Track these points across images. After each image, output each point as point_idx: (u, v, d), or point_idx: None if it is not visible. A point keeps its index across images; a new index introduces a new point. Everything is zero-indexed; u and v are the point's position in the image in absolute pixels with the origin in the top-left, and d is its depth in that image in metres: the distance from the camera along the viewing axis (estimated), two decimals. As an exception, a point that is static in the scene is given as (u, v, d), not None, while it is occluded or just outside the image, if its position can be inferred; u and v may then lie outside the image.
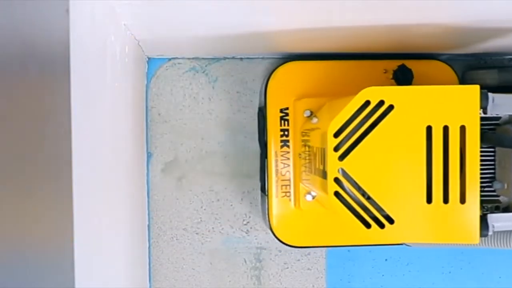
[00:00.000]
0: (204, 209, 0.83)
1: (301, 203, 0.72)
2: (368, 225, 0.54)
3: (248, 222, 0.83)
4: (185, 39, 0.71)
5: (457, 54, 0.79)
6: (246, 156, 0.82)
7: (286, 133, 0.73)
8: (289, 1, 0.52)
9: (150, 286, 0.82)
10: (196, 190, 0.82)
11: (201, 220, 0.83)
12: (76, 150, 0.38)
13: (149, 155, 0.82)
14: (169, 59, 0.81)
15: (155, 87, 0.81)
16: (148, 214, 0.82)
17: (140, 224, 0.76)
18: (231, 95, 0.82)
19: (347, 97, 0.56)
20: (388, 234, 0.54)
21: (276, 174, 0.74)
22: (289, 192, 0.74)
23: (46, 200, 0.35)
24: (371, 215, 0.54)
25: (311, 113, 0.71)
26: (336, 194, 0.55)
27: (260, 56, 0.81)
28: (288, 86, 0.74)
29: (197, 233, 0.83)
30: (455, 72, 0.75)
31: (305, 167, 0.70)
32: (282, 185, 0.74)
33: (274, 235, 0.75)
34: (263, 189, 0.77)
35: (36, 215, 0.33)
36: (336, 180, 0.55)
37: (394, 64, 0.74)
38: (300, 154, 0.72)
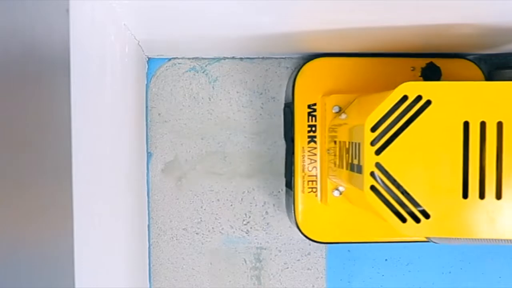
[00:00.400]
0: (204, 209, 0.83)
1: (328, 198, 0.72)
2: (403, 220, 0.55)
3: (248, 222, 0.83)
4: (185, 39, 0.71)
5: (484, 54, 0.79)
6: (246, 156, 0.82)
7: (313, 128, 0.74)
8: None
9: (150, 286, 0.83)
10: (196, 190, 0.82)
11: (201, 220, 0.83)
12: (76, 150, 0.38)
13: (149, 155, 0.82)
14: (169, 59, 0.81)
15: (155, 87, 0.81)
16: (148, 214, 0.82)
17: (140, 224, 0.76)
18: (231, 95, 0.82)
19: (382, 93, 0.57)
20: (423, 228, 0.55)
21: (303, 170, 0.75)
22: (315, 187, 0.75)
23: (46, 200, 0.35)
24: (407, 209, 0.55)
25: (340, 109, 0.72)
26: (372, 188, 0.55)
27: (260, 56, 0.81)
28: (316, 82, 0.74)
29: (197, 233, 0.83)
30: (482, 71, 0.76)
31: (334, 162, 0.70)
32: (308, 181, 0.75)
33: (300, 230, 0.75)
34: (289, 185, 0.77)
35: (35, 215, 0.33)
36: (373, 174, 0.55)
37: (421, 62, 0.75)
38: (328, 150, 0.73)
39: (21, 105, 0.30)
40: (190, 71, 0.82)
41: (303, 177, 0.74)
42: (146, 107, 0.81)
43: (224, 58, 0.82)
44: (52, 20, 0.36)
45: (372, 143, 0.55)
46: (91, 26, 0.45)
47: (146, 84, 0.81)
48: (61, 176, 0.37)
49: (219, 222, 0.83)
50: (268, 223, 0.83)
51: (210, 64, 0.82)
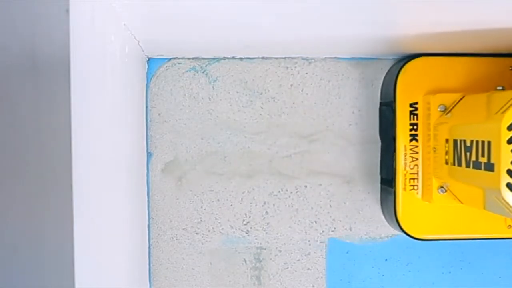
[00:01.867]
0: (204, 209, 0.83)
1: (433, 196, 0.73)
2: None
3: (248, 222, 0.83)
4: (186, 39, 0.71)
5: None
6: (246, 156, 0.82)
7: (415, 127, 0.75)
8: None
9: (150, 286, 0.83)
10: (196, 190, 0.82)
11: (201, 220, 0.83)
12: (75, 150, 0.38)
13: (149, 155, 0.82)
14: (169, 59, 0.81)
15: (155, 87, 0.81)
16: (148, 214, 0.82)
17: (140, 224, 0.76)
18: (231, 95, 0.82)
19: (507, 91, 0.58)
20: None
21: (404, 168, 0.76)
22: (416, 185, 0.76)
23: (46, 200, 0.35)
24: None
25: (445, 107, 0.73)
26: (508, 185, 0.56)
27: (260, 56, 0.81)
28: (418, 81, 0.76)
29: (197, 233, 0.83)
30: None
31: (445, 160, 0.71)
32: (410, 178, 0.76)
33: (400, 227, 0.76)
34: (385, 182, 0.79)
35: (35, 215, 0.33)
36: (509, 172, 0.56)
37: None
38: (434, 148, 0.73)
39: (21, 105, 0.30)
40: (190, 71, 0.82)
41: (405, 175, 0.76)
42: (146, 107, 0.81)
43: (224, 58, 0.82)
44: (52, 20, 0.36)
45: (509, 141, 0.57)
46: (91, 26, 0.45)
47: (146, 84, 0.81)
48: (61, 176, 0.37)
49: (219, 222, 0.83)
50: (268, 223, 0.83)
51: (210, 64, 0.82)
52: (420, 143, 0.75)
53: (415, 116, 0.75)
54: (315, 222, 0.83)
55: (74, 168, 0.38)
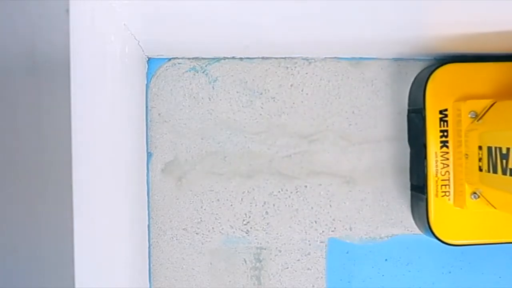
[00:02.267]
0: (204, 209, 0.83)
1: (466, 202, 0.74)
2: None
3: (248, 222, 0.83)
4: (186, 39, 0.71)
5: None
6: (246, 156, 0.82)
7: (445, 134, 0.76)
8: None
9: (150, 286, 0.83)
10: (196, 190, 0.82)
11: (201, 220, 0.83)
12: (75, 150, 0.38)
13: (149, 155, 0.82)
14: (169, 59, 0.81)
15: (155, 87, 0.81)
16: (148, 214, 0.82)
17: (140, 224, 0.76)
18: (231, 95, 0.82)
19: None
20: None
21: (436, 174, 0.76)
22: (448, 191, 0.76)
23: (46, 200, 0.35)
24: None
25: (476, 114, 0.74)
26: None
27: (260, 56, 0.82)
28: (447, 88, 0.76)
29: (197, 233, 0.83)
30: None
31: (479, 167, 0.72)
32: (441, 185, 0.76)
33: (433, 233, 0.77)
34: (416, 189, 0.79)
35: (35, 215, 0.33)
36: None
37: None
38: (466, 155, 0.74)
39: (21, 105, 0.30)
40: (190, 71, 0.82)
41: (436, 181, 0.76)
42: (146, 107, 0.81)
43: (224, 58, 0.82)
44: (52, 20, 0.36)
45: None
46: (91, 26, 0.45)
47: (146, 84, 0.81)
48: (61, 176, 0.37)
49: (219, 222, 0.83)
50: (268, 223, 0.83)
51: (210, 64, 0.82)
52: (450, 150, 0.76)
53: (445, 123, 0.76)
54: (315, 222, 0.83)
55: (74, 168, 0.38)
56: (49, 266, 0.35)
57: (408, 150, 0.83)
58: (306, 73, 0.82)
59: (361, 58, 0.83)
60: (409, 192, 0.83)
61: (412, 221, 0.83)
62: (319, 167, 0.83)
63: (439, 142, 0.76)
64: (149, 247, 0.83)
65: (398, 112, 0.83)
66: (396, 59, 0.83)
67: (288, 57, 0.82)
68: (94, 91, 0.48)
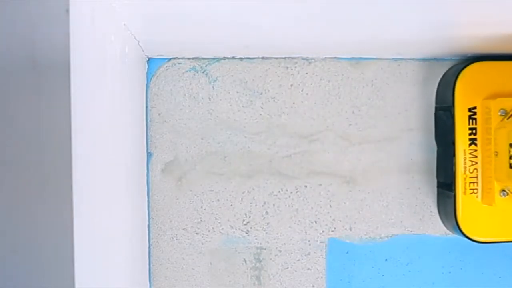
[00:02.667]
0: (204, 209, 0.83)
1: (495, 199, 0.75)
2: None
3: (248, 222, 0.83)
4: (186, 39, 0.71)
5: None
6: (246, 156, 0.82)
7: (474, 131, 0.77)
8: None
9: (150, 286, 0.83)
10: (196, 190, 0.82)
11: (201, 220, 0.83)
12: (75, 150, 0.38)
13: (149, 155, 0.82)
14: (169, 59, 0.81)
15: (155, 87, 0.81)
16: (148, 214, 0.82)
17: (140, 224, 0.76)
18: (231, 95, 0.82)
19: None
20: None
21: (464, 172, 0.77)
22: (476, 189, 0.77)
23: (46, 200, 0.35)
24: None
25: (505, 112, 0.74)
26: None
27: (260, 56, 0.82)
28: (476, 86, 0.77)
29: (197, 233, 0.83)
30: None
31: (510, 165, 0.72)
32: (470, 182, 0.77)
33: (460, 230, 0.77)
34: (443, 186, 0.80)
35: (35, 215, 0.33)
36: None
37: None
38: (496, 152, 0.75)
39: (20, 105, 0.30)
40: (190, 71, 0.82)
41: (465, 179, 0.77)
42: (146, 107, 0.81)
43: (224, 58, 0.82)
44: (52, 20, 0.36)
45: None
46: (91, 26, 0.45)
47: (146, 84, 0.81)
48: (61, 176, 0.37)
49: (219, 222, 0.83)
50: (268, 223, 0.83)
51: (210, 64, 0.82)
52: (479, 147, 0.76)
53: (474, 121, 0.76)
54: (315, 222, 0.83)
55: (74, 168, 0.38)
56: (49, 266, 0.35)
57: (408, 150, 0.83)
58: (306, 73, 0.82)
59: (361, 58, 0.83)
60: (409, 192, 0.83)
61: (412, 221, 0.83)
62: (319, 167, 0.83)
63: (467, 139, 0.77)
64: (149, 247, 0.83)
65: (398, 112, 0.83)
66: (396, 59, 0.83)
67: (288, 57, 0.82)
68: (94, 91, 0.48)
